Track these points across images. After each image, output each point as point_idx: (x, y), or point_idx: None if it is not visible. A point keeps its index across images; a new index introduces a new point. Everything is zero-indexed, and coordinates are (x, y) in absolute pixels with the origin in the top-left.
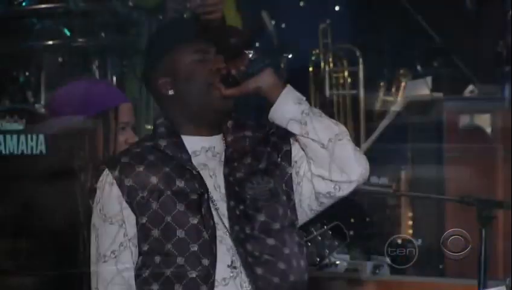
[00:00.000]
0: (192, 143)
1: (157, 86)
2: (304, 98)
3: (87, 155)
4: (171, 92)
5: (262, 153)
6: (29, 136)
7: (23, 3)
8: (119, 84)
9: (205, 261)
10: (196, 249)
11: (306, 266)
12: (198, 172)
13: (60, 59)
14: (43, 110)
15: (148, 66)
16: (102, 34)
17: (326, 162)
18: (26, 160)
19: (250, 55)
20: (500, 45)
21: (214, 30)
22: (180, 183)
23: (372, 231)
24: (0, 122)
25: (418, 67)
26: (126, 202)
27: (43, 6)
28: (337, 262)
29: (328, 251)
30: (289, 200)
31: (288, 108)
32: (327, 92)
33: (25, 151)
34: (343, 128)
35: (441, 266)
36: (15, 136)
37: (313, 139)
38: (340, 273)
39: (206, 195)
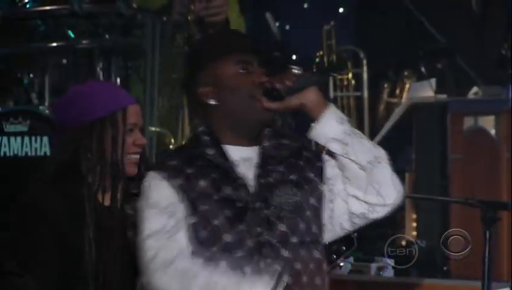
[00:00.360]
0: (232, 153)
1: (199, 94)
2: (346, 118)
3: (95, 157)
4: (213, 102)
5: (295, 165)
6: (33, 137)
7: (27, 5)
8: (123, 86)
9: (247, 270)
10: (240, 255)
11: (322, 285)
12: (243, 181)
13: (64, 61)
14: (47, 112)
15: (191, 75)
16: (107, 36)
17: (363, 184)
18: (32, 161)
19: (296, 71)
20: (505, 47)
21: (257, 43)
22: (226, 191)
23: (375, 232)
24: (4, 124)
25: (423, 69)
26: (177, 198)
27: (47, 8)
28: (341, 264)
29: (335, 256)
30: (316, 217)
31: (331, 127)
32: (331, 94)
33: (29, 153)
34: (382, 151)
35: (445, 268)
36: (19, 138)
37: (352, 160)
38: (344, 275)
39: (251, 204)
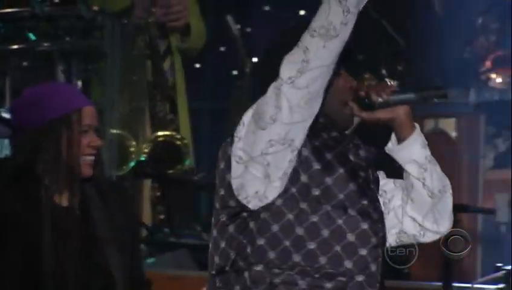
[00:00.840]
0: None
1: None
2: (426, 142)
3: (51, 158)
4: None
5: (362, 168)
6: None
7: None
8: (84, 88)
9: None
10: (353, 239)
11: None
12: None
13: (24, 63)
14: (7, 115)
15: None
16: (67, 38)
17: (426, 209)
18: None
19: (393, 83)
20: (466, 50)
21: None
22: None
23: None
24: None
25: (383, 72)
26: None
27: (7, 10)
28: None
29: None
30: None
31: (415, 150)
32: None
33: None
34: (448, 181)
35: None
36: None
37: (425, 186)
38: None
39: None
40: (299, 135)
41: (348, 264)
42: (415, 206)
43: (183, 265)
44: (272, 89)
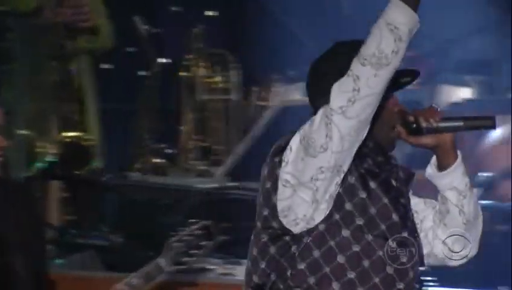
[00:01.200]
0: None
1: None
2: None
3: None
4: None
5: (403, 194)
6: None
7: None
8: None
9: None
10: (392, 272)
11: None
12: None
13: None
14: None
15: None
16: None
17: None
18: None
19: (438, 109)
20: None
21: None
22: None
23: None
24: None
25: (291, 73)
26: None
27: None
28: (212, 267)
29: (197, 252)
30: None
31: (457, 178)
32: (199, 97)
33: None
34: (480, 208)
35: None
36: None
37: (462, 211)
38: (214, 278)
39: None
40: (347, 161)
41: None
42: (447, 230)
43: (91, 266)
44: (321, 117)
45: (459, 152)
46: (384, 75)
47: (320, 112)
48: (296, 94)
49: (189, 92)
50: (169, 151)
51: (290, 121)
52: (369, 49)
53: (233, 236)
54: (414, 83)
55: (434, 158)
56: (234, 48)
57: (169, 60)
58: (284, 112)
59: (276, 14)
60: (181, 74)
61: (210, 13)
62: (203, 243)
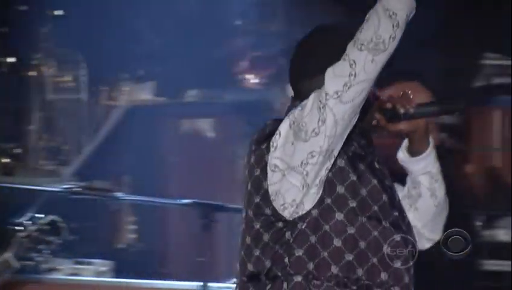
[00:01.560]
0: None
1: None
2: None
3: None
4: None
5: (386, 176)
6: None
7: None
8: None
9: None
10: (388, 251)
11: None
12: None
13: None
14: None
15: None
16: None
17: (427, 218)
18: None
19: (411, 96)
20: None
21: None
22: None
23: (94, 235)
24: None
25: (142, 72)
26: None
27: None
28: (60, 267)
29: (44, 247)
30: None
31: (430, 162)
32: (48, 96)
33: None
34: None
35: (164, 270)
36: None
37: (434, 195)
38: (61, 278)
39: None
40: (338, 146)
41: (384, 276)
42: (418, 215)
43: None
44: (314, 102)
45: (432, 139)
46: (381, 61)
47: (312, 96)
48: (144, 94)
49: (38, 91)
50: (18, 151)
51: (137, 121)
52: (366, 34)
53: (81, 236)
54: (264, 82)
55: (404, 143)
56: (82, 48)
57: (15, 59)
58: (132, 111)
59: (122, 13)
60: (29, 73)
61: (58, 12)
62: (51, 238)
